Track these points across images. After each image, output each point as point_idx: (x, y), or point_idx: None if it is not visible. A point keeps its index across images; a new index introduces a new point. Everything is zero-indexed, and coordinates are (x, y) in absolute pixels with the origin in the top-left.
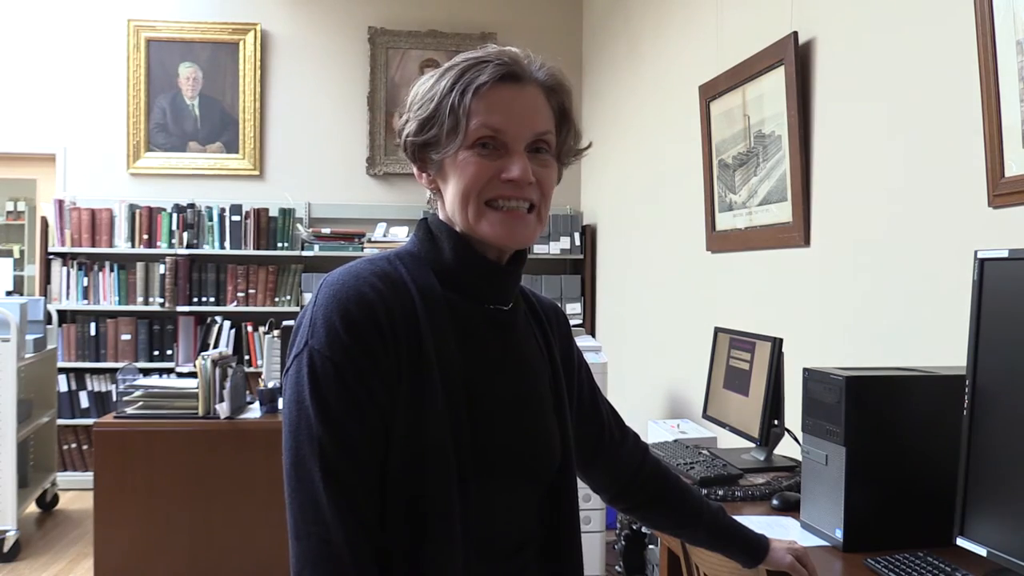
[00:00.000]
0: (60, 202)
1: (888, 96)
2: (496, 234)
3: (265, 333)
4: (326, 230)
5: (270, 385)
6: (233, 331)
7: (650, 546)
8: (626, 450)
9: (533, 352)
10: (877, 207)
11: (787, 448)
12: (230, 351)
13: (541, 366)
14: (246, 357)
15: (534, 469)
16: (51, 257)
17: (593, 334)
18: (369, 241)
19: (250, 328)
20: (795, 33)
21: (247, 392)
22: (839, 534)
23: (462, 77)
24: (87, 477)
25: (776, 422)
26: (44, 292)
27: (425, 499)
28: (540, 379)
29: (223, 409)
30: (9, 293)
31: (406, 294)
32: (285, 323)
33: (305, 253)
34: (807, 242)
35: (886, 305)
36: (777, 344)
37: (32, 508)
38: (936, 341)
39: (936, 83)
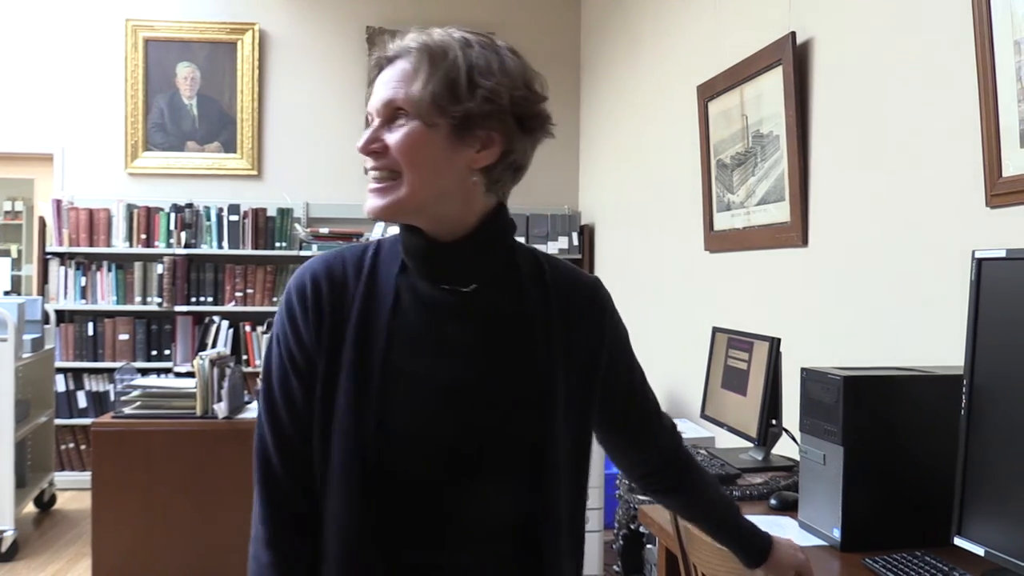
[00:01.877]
0: (58, 202)
1: (886, 96)
2: (366, 210)
3: (263, 333)
4: (324, 230)
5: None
6: (231, 331)
7: (648, 546)
8: (658, 447)
9: (503, 339)
10: (875, 207)
11: (785, 448)
12: (228, 351)
13: (513, 355)
14: (244, 357)
15: (462, 459)
16: (49, 257)
17: None
18: (367, 240)
19: (248, 328)
20: (793, 33)
21: (245, 392)
22: (837, 534)
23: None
24: (85, 477)
25: (774, 422)
26: (42, 292)
27: (330, 474)
28: (504, 368)
29: (221, 409)
30: (7, 293)
31: (351, 275)
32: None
33: (303, 253)
34: (805, 242)
35: (884, 305)
36: (775, 344)
37: (30, 508)
38: (934, 341)
39: (934, 83)
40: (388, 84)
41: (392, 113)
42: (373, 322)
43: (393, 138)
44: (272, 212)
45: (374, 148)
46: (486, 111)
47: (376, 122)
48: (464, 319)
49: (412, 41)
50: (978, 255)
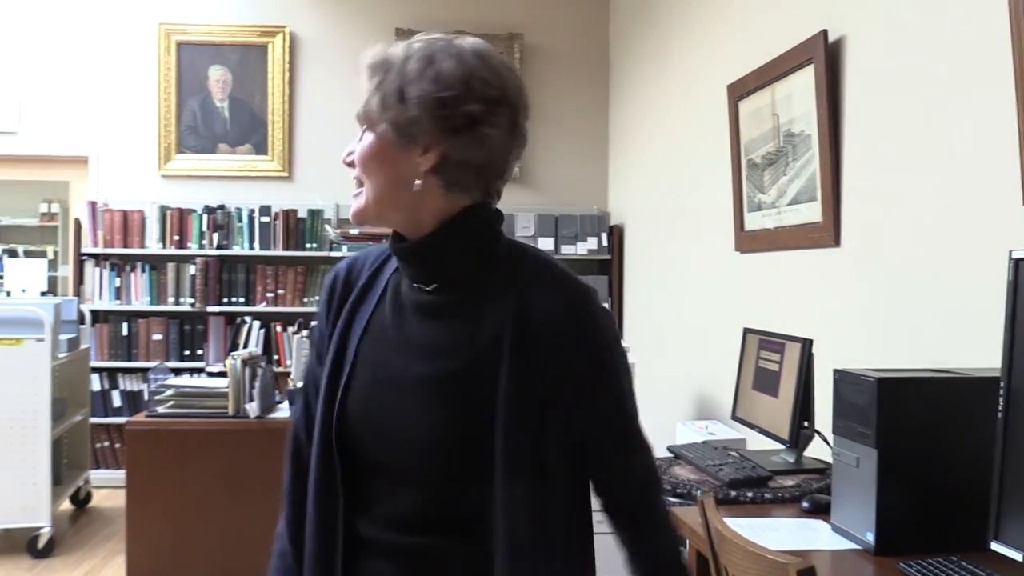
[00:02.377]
0: (93, 204)
1: (920, 94)
2: None
3: (294, 333)
4: (354, 231)
5: (299, 385)
6: (262, 331)
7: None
8: (613, 484)
9: (455, 337)
10: (909, 206)
11: (817, 450)
12: (259, 351)
13: (462, 354)
14: (275, 357)
15: (407, 448)
16: (84, 258)
17: (621, 335)
18: None
19: (279, 328)
20: (825, 31)
21: (276, 392)
22: (870, 537)
23: None
24: (119, 475)
25: (806, 424)
26: (77, 292)
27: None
28: (451, 365)
29: (252, 408)
30: (43, 294)
31: (363, 271)
32: (314, 323)
33: (333, 254)
34: (837, 242)
35: (918, 305)
36: (807, 345)
37: (66, 505)
38: (969, 342)
39: (969, 80)
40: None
41: (360, 126)
42: (360, 315)
43: (356, 149)
44: (303, 213)
45: (346, 160)
46: (414, 117)
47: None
48: (426, 316)
49: (370, 57)
50: (1015, 255)
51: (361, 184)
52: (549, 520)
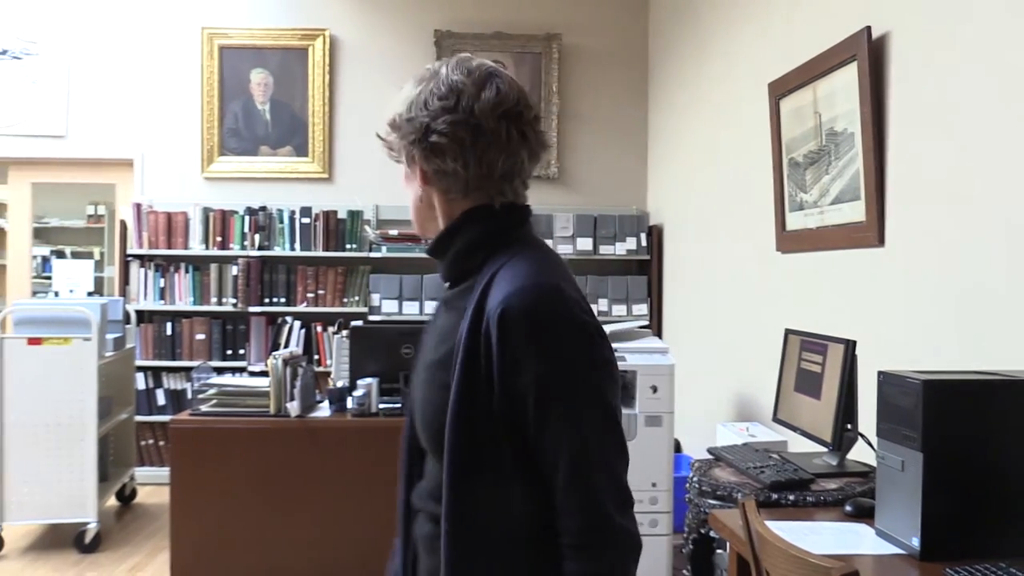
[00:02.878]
0: (138, 206)
1: (967, 90)
2: None
3: (334, 333)
4: (394, 232)
5: (339, 384)
6: (303, 331)
7: (718, 551)
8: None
9: (448, 333)
10: (955, 205)
11: (860, 453)
12: (300, 351)
13: (447, 349)
14: (315, 357)
15: (421, 430)
16: (129, 259)
17: (660, 335)
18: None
19: (319, 328)
20: (868, 28)
21: (316, 391)
22: (916, 542)
23: None
24: (164, 472)
25: (849, 426)
26: (123, 293)
27: None
28: (439, 359)
29: (294, 408)
30: (90, 294)
31: None
32: (354, 323)
33: (373, 255)
34: (881, 242)
35: (964, 306)
36: (850, 346)
37: (112, 501)
38: (1018, 343)
39: (1016, 77)
40: None
41: None
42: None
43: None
44: (343, 215)
45: None
46: (392, 141)
47: None
48: (442, 310)
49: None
50: None
51: None
52: (488, 525)
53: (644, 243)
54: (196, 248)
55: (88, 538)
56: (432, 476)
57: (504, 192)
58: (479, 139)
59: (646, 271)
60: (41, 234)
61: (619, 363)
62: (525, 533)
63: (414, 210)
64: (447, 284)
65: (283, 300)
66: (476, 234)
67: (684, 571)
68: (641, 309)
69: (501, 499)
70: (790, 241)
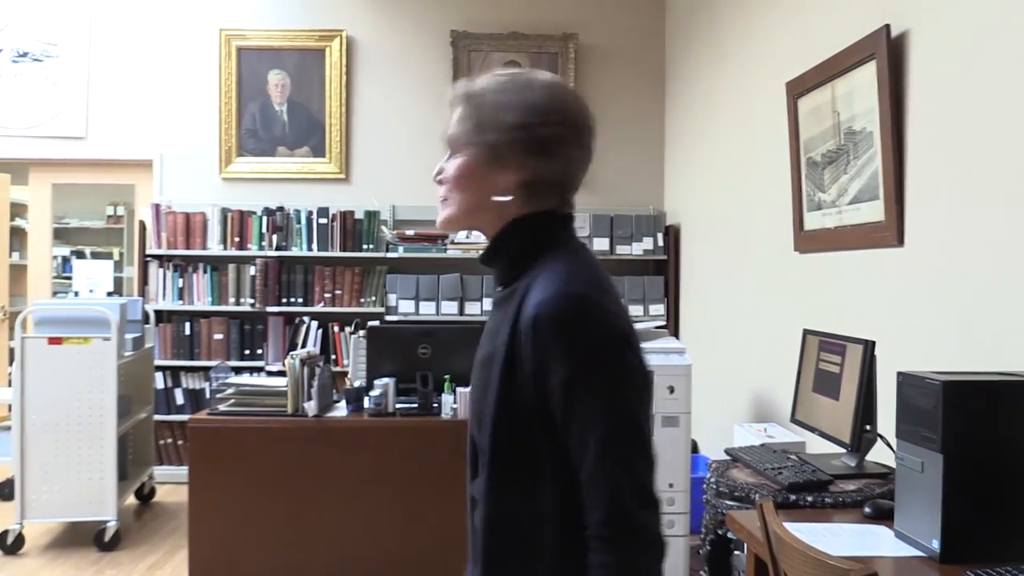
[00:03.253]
0: (157, 206)
1: (988, 89)
2: None
3: (351, 333)
4: (410, 232)
5: (356, 384)
6: (320, 331)
7: (736, 552)
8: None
9: (495, 330)
10: (976, 205)
11: (880, 454)
12: (317, 350)
13: (493, 349)
14: (333, 356)
15: (472, 423)
16: (148, 259)
17: (677, 335)
18: (452, 243)
19: (336, 328)
20: (887, 26)
21: (333, 391)
22: (936, 545)
23: None
24: (182, 471)
25: (868, 427)
26: (142, 293)
27: None
28: (487, 359)
29: (311, 407)
30: (110, 294)
31: None
32: (371, 323)
33: (390, 255)
34: (900, 242)
35: (984, 307)
36: (869, 347)
37: (131, 500)
38: None
39: None
40: (449, 126)
41: (449, 148)
42: None
43: (447, 167)
44: (360, 215)
45: (437, 177)
46: (507, 141)
47: (446, 155)
48: (493, 311)
49: (460, 89)
50: None
51: (446, 197)
52: (522, 522)
53: (661, 243)
54: (214, 248)
55: (107, 536)
56: (480, 469)
57: (565, 200)
58: (572, 150)
59: (663, 271)
60: (61, 234)
61: None
62: (555, 528)
63: (473, 208)
64: (499, 287)
65: (300, 300)
66: (529, 239)
67: (701, 572)
68: (658, 309)
69: (534, 495)
70: (808, 241)
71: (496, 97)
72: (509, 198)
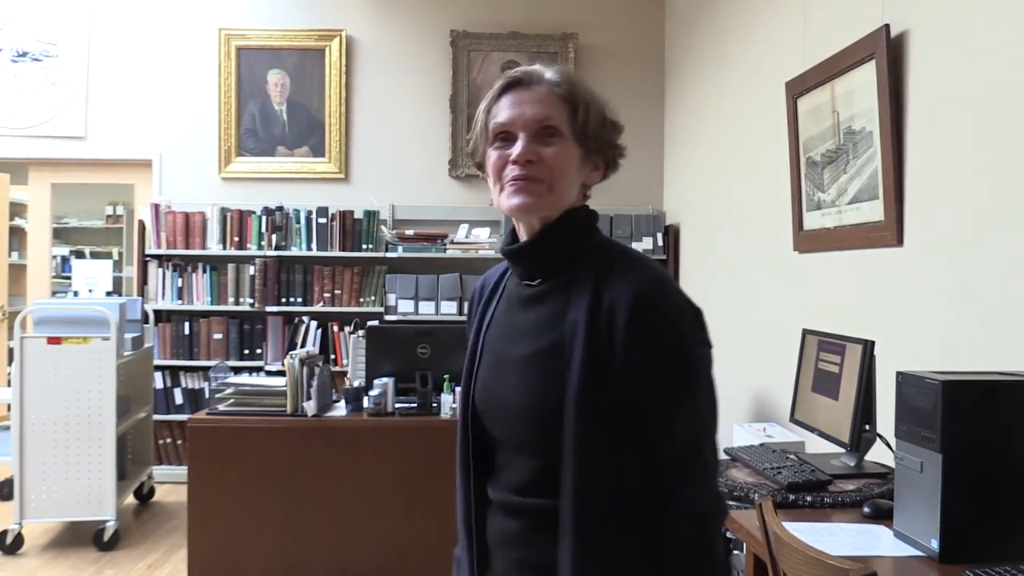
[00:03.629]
0: (156, 206)
1: (988, 89)
2: (506, 206)
3: (351, 333)
4: (410, 232)
5: (355, 384)
6: (319, 331)
7: (735, 552)
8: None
9: (546, 326)
10: (976, 205)
11: (879, 454)
12: (317, 350)
13: (548, 340)
14: (332, 356)
15: (509, 424)
16: (148, 259)
17: None
18: (452, 242)
19: (336, 328)
20: (887, 26)
21: (333, 391)
22: (935, 544)
23: (488, 98)
24: (181, 471)
25: (867, 427)
26: (141, 292)
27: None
28: (540, 351)
29: (310, 407)
30: (109, 294)
31: (490, 280)
32: (370, 323)
33: (389, 254)
34: (900, 241)
35: (984, 307)
36: (869, 347)
37: (130, 500)
38: None
39: None
40: (537, 104)
41: (543, 130)
42: (487, 315)
43: (548, 152)
44: (359, 215)
45: (531, 159)
46: (611, 140)
47: (523, 135)
48: (528, 305)
49: (555, 74)
50: None
51: (537, 182)
52: (612, 498)
53: (660, 243)
54: (213, 248)
55: (106, 536)
56: (521, 468)
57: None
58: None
59: None
60: (60, 234)
61: None
62: (639, 508)
63: (566, 196)
64: (533, 281)
65: (300, 300)
66: (584, 230)
67: None
68: None
69: (620, 476)
70: (808, 241)
71: (597, 101)
72: (576, 188)
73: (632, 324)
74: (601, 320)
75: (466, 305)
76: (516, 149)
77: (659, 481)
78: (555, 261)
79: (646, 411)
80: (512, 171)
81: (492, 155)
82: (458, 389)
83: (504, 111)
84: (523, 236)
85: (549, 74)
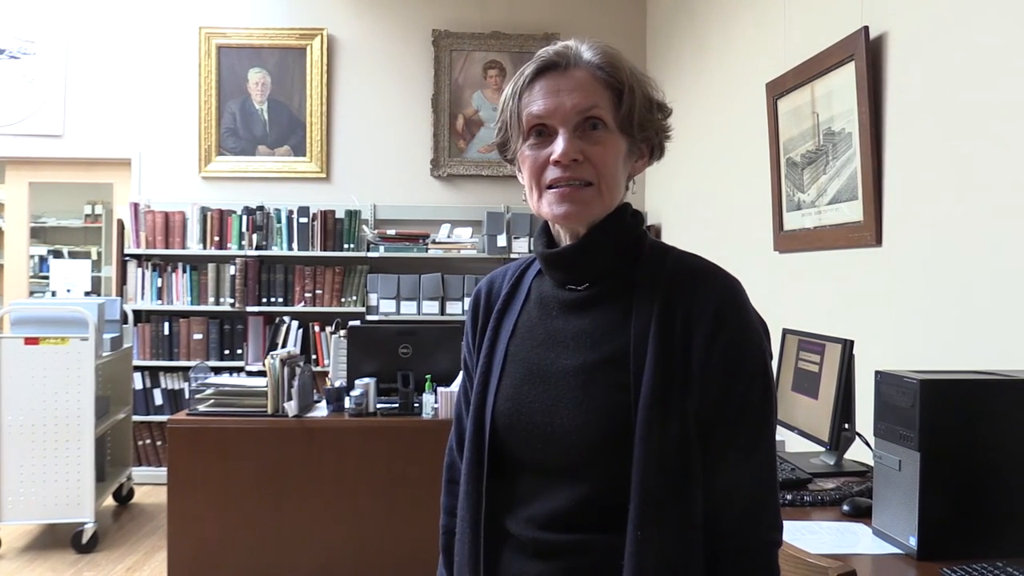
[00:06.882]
0: (135, 205)
1: (966, 91)
2: (551, 214)
3: (332, 333)
4: (391, 231)
5: (337, 384)
6: (301, 331)
7: None
8: (709, 529)
9: (609, 330)
10: (954, 206)
11: (858, 453)
12: (298, 350)
13: (609, 347)
14: (313, 356)
15: (554, 444)
16: (127, 259)
17: None
18: (434, 242)
19: (317, 328)
20: (866, 28)
21: (314, 391)
22: (913, 542)
23: (517, 81)
24: (161, 472)
25: (847, 426)
26: (120, 292)
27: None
28: (598, 358)
29: (291, 407)
30: (87, 294)
31: (503, 282)
32: (351, 323)
33: (371, 254)
34: (879, 241)
35: (962, 306)
36: (848, 346)
37: (109, 501)
38: (1015, 343)
39: (1015, 77)
40: (577, 92)
41: (585, 121)
42: (507, 320)
43: (595, 151)
44: (340, 214)
45: (576, 158)
46: (656, 126)
47: (563, 130)
48: (574, 312)
49: (595, 54)
50: None
51: (584, 184)
52: (684, 529)
53: None
54: (193, 248)
55: (85, 538)
56: (560, 498)
57: None
58: None
59: None
60: (38, 234)
61: None
62: (700, 539)
63: (617, 196)
64: (579, 285)
65: (281, 300)
66: (628, 233)
67: None
68: None
69: (688, 502)
70: (788, 241)
71: (642, 82)
72: (629, 185)
73: (713, 338)
74: (675, 330)
75: (450, 306)
76: (558, 148)
77: (728, 506)
78: (605, 265)
79: (718, 430)
80: (553, 173)
81: (526, 154)
82: (441, 389)
83: (539, 101)
84: (564, 239)
85: (588, 54)
